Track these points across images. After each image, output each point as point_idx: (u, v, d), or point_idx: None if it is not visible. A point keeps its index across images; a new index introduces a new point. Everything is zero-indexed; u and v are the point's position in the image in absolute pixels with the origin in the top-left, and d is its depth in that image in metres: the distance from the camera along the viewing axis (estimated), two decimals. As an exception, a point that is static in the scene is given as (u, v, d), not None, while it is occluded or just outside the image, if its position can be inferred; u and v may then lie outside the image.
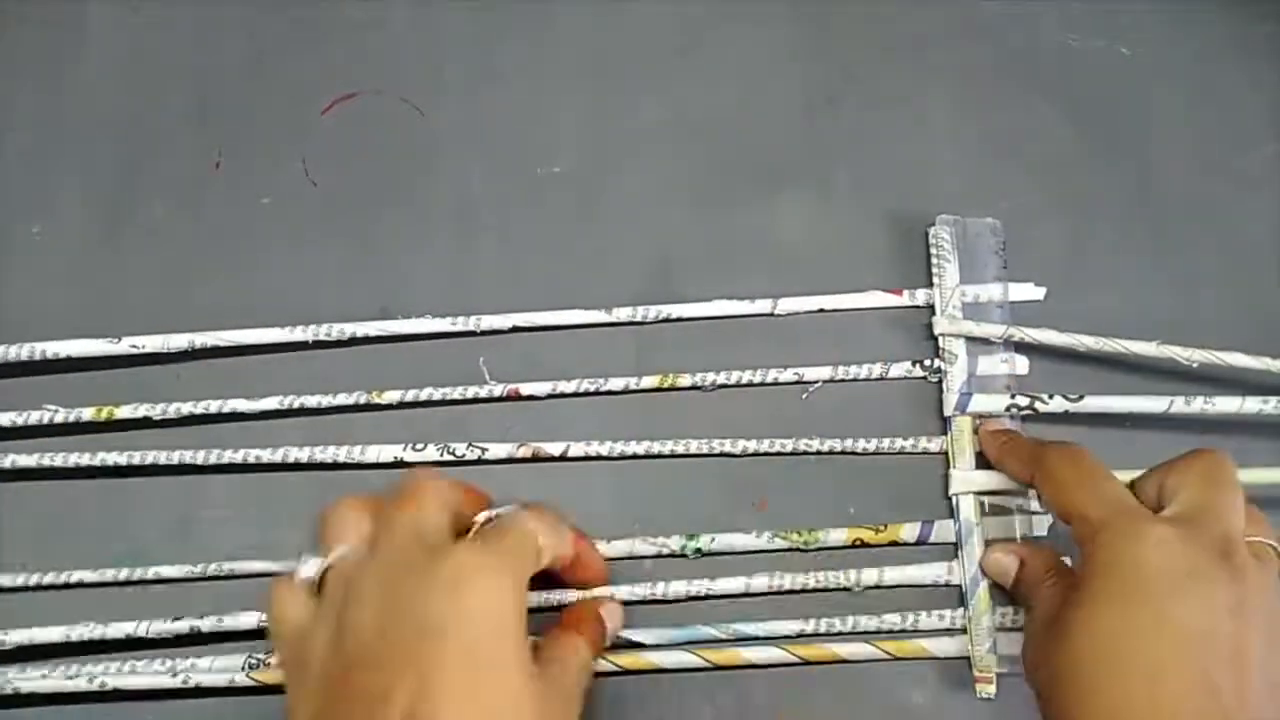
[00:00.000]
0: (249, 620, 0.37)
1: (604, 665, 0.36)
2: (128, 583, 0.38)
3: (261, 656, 0.37)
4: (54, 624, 0.37)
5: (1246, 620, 0.29)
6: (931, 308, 0.41)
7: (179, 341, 0.40)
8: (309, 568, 0.31)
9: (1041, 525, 0.38)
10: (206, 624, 0.37)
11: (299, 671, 0.29)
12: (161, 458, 0.39)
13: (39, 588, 0.38)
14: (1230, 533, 0.31)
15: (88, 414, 0.39)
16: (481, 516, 0.32)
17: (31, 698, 0.37)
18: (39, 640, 0.37)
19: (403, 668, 0.27)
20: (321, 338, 0.40)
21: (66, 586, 0.38)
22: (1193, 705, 0.28)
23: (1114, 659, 0.29)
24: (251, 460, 0.39)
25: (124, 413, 0.39)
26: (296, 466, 0.39)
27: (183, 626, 0.37)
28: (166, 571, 0.38)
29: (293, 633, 0.30)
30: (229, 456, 0.39)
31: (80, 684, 0.36)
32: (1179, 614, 0.29)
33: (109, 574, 0.38)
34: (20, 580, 0.38)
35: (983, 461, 0.39)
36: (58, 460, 0.39)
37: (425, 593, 0.28)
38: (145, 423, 0.40)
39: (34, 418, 0.39)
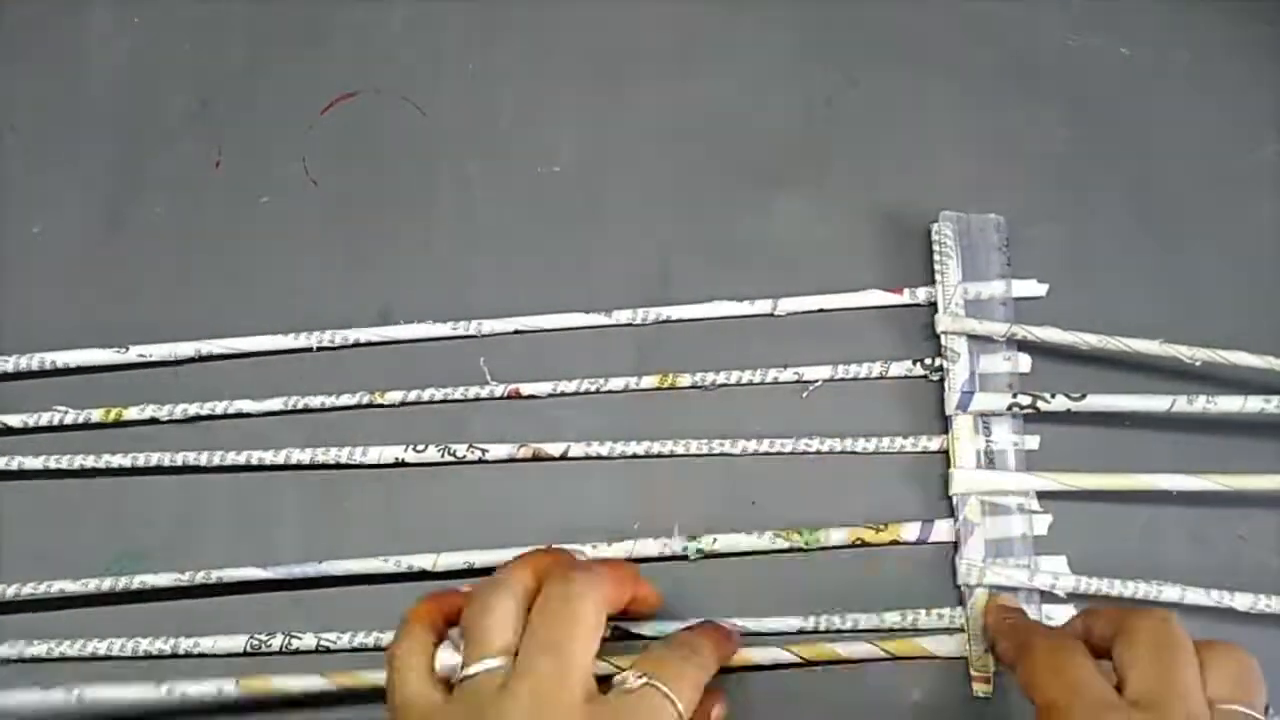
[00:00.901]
0: (235, 643, 0.37)
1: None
2: (112, 595, 0.38)
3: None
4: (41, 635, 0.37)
5: None
6: (933, 306, 0.41)
7: (186, 350, 0.40)
8: (449, 659, 0.30)
9: (1042, 525, 0.38)
10: (187, 644, 0.37)
11: None
12: (165, 459, 0.39)
13: (26, 599, 0.38)
14: (1194, 715, 0.28)
15: (96, 415, 0.40)
16: (624, 679, 0.30)
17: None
18: (27, 655, 0.37)
19: None
20: (325, 344, 0.40)
21: (50, 599, 0.38)
22: None
23: None
24: (254, 461, 0.39)
25: (132, 413, 0.40)
26: (298, 467, 0.39)
27: (165, 647, 0.37)
28: (154, 580, 0.38)
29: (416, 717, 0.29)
30: (231, 457, 0.39)
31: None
32: None
33: (92, 584, 0.38)
34: (7, 592, 0.38)
35: (983, 461, 0.39)
36: (62, 462, 0.39)
37: None
38: (152, 423, 0.40)
39: (44, 419, 0.40)
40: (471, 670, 0.29)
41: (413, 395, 0.40)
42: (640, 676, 0.29)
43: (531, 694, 0.28)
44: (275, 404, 0.40)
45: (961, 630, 0.37)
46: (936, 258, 0.41)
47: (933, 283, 0.41)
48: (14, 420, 0.40)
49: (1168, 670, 0.29)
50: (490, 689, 0.28)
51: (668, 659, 0.31)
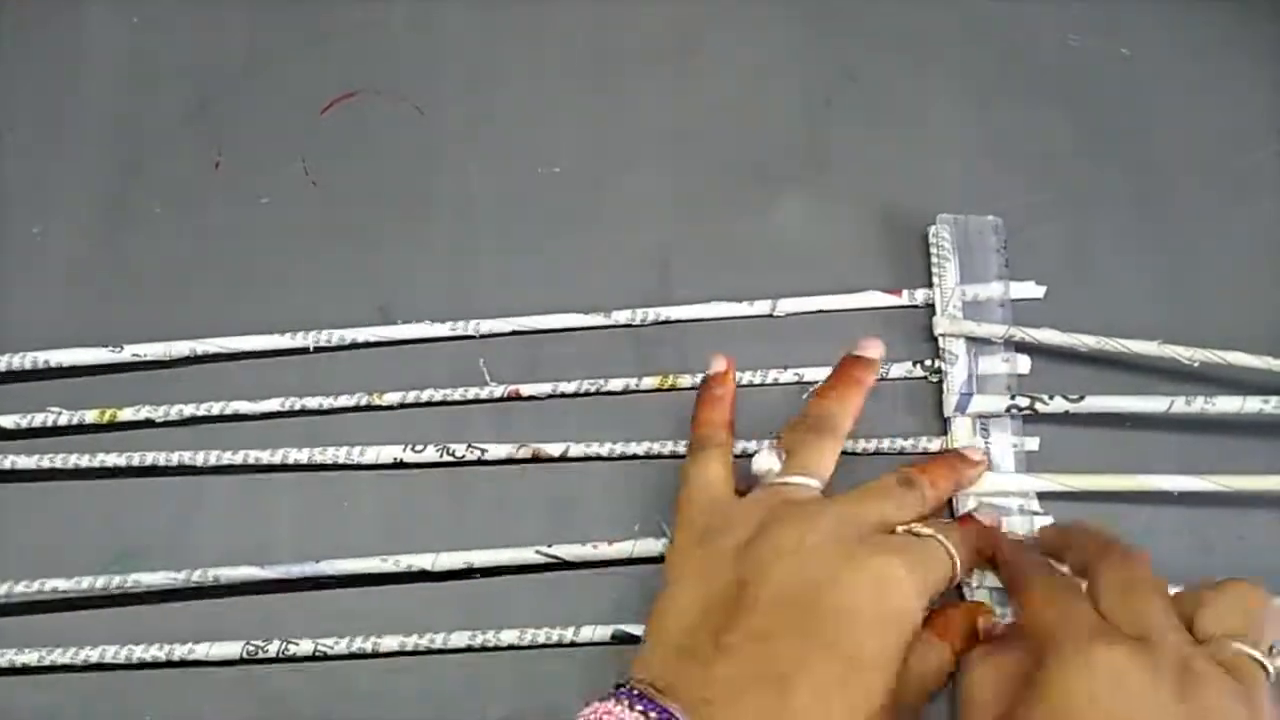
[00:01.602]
0: (231, 650, 0.37)
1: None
2: (107, 596, 0.38)
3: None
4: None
5: None
6: (931, 307, 0.41)
7: (181, 349, 0.40)
8: (767, 460, 0.35)
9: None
10: (182, 650, 0.37)
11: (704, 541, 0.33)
12: (161, 459, 0.39)
13: (19, 601, 0.38)
14: (1193, 659, 0.28)
15: (90, 416, 0.40)
16: (915, 528, 0.33)
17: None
18: (18, 662, 0.37)
19: (803, 628, 0.30)
20: (322, 344, 0.40)
21: (44, 600, 0.38)
22: None
23: None
24: (251, 461, 0.39)
25: (127, 415, 0.40)
26: (297, 467, 0.39)
27: (160, 654, 0.37)
28: (149, 580, 0.38)
29: (717, 503, 0.34)
30: (228, 458, 0.39)
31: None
32: None
33: (85, 582, 0.37)
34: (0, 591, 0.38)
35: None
36: (57, 462, 0.39)
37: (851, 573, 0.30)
38: (148, 424, 0.40)
39: (38, 420, 0.40)
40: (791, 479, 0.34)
41: (411, 396, 0.40)
42: (928, 529, 0.33)
43: (837, 516, 0.32)
44: (272, 405, 0.40)
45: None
46: (934, 260, 0.41)
47: (931, 285, 0.41)
48: (7, 422, 0.40)
49: (1140, 615, 0.30)
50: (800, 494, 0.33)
51: (953, 528, 0.34)
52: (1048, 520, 0.38)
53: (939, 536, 0.33)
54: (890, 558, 0.31)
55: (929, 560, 0.32)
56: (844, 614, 0.30)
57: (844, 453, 0.39)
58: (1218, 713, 0.27)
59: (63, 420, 0.40)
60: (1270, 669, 0.29)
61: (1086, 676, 0.28)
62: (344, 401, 0.40)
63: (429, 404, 0.40)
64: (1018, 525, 0.38)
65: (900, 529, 0.33)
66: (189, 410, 0.39)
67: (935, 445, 0.39)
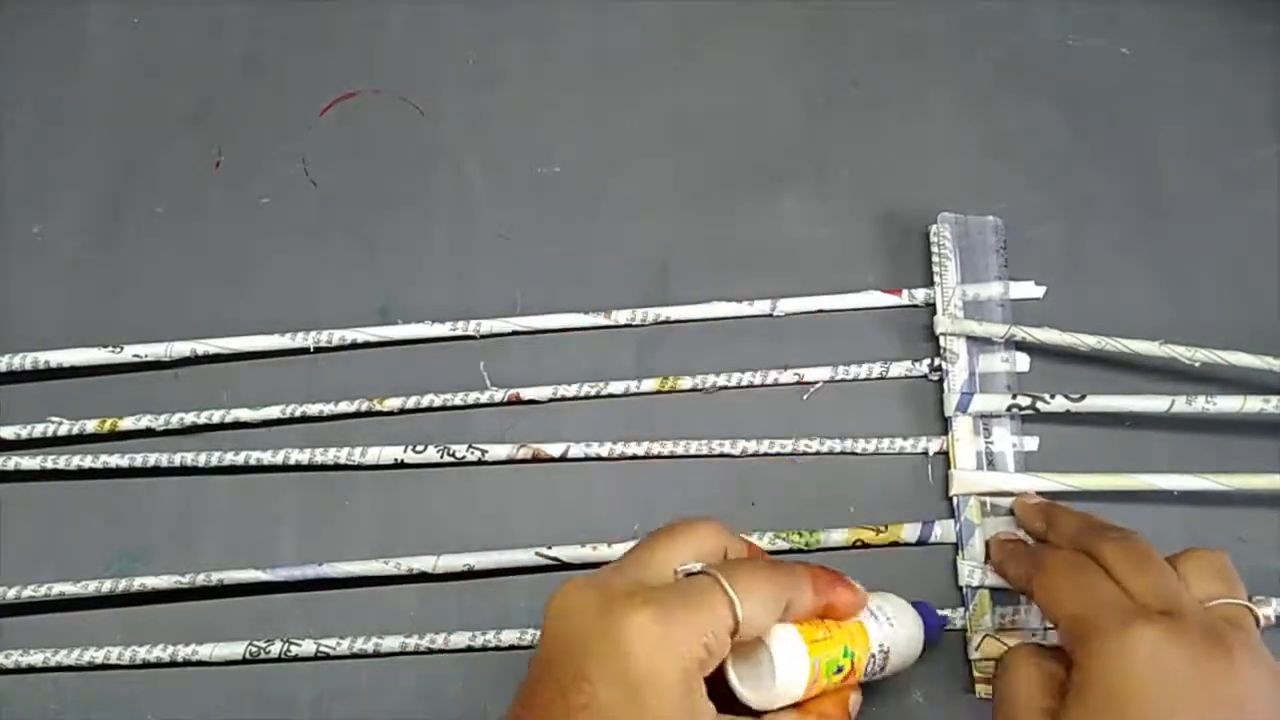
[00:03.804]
0: (234, 650, 0.37)
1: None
2: (112, 597, 0.38)
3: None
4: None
5: (1256, 707, 0.28)
6: (931, 307, 0.41)
7: (181, 349, 0.40)
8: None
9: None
10: (185, 651, 0.37)
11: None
12: (163, 460, 0.39)
13: (24, 602, 0.38)
14: (1214, 622, 0.29)
15: (91, 426, 0.39)
16: (680, 568, 0.30)
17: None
18: (22, 664, 0.37)
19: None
20: (322, 344, 0.40)
21: (48, 601, 0.38)
22: None
23: None
24: (252, 462, 0.39)
25: (127, 424, 0.39)
26: (298, 468, 0.39)
27: (164, 655, 0.37)
28: (154, 582, 0.38)
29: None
30: (229, 459, 0.39)
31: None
32: None
33: (90, 585, 0.38)
34: (8, 594, 0.38)
35: (983, 462, 0.39)
36: (60, 462, 0.39)
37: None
38: (148, 433, 0.40)
39: (38, 430, 0.39)
40: None
41: (411, 401, 0.40)
42: (704, 568, 0.29)
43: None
44: (273, 412, 0.39)
45: (963, 631, 0.37)
46: (935, 260, 0.41)
47: (932, 284, 0.41)
48: (7, 433, 0.39)
49: (1161, 589, 0.30)
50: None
51: (743, 565, 0.30)
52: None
53: (717, 575, 0.29)
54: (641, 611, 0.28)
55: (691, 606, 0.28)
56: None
57: (846, 453, 0.39)
58: (1248, 667, 0.28)
59: (63, 430, 0.39)
60: (1259, 615, 0.31)
61: (1131, 659, 0.28)
62: (344, 408, 0.40)
63: (430, 409, 0.40)
64: (1017, 525, 0.38)
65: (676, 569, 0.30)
66: (190, 418, 0.39)
67: (935, 445, 0.39)
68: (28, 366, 0.40)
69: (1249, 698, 0.28)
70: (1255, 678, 0.28)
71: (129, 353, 0.40)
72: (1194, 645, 0.28)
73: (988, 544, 0.38)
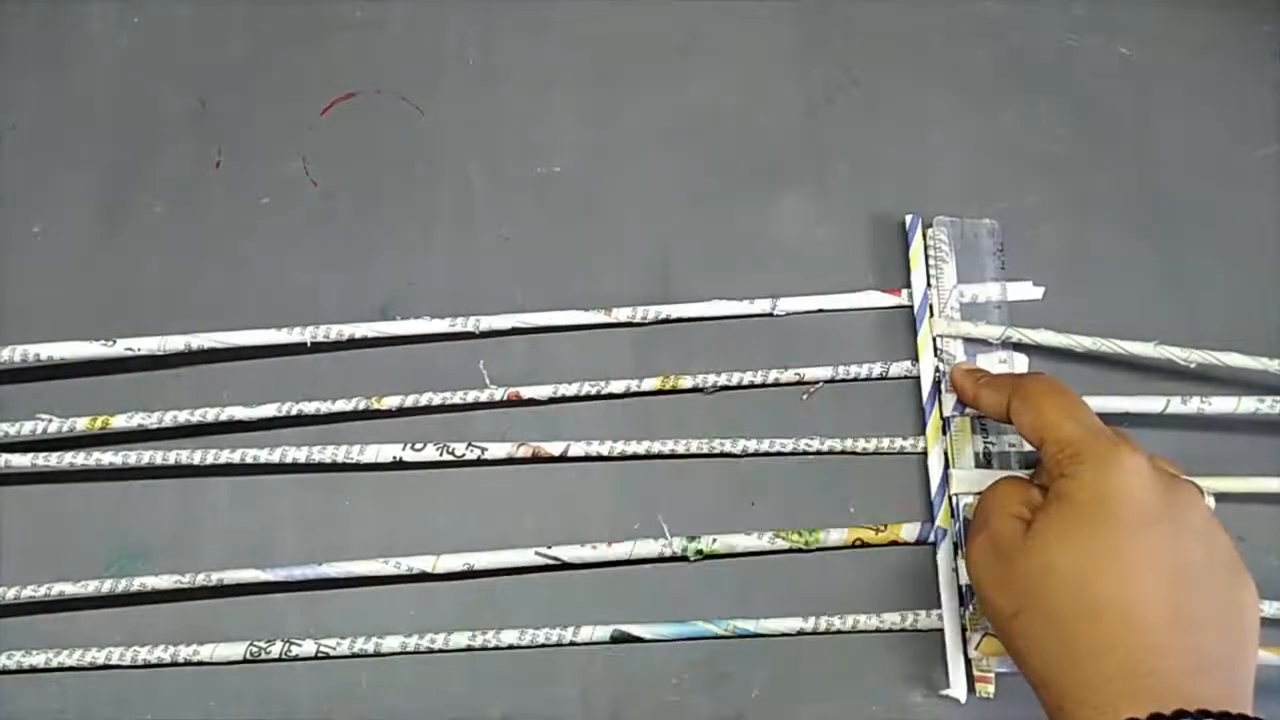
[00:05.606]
0: (235, 651, 0.37)
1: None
2: (112, 597, 0.38)
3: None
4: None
5: (1210, 548, 0.31)
6: (931, 307, 0.41)
7: (175, 344, 0.40)
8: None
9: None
10: (186, 651, 0.37)
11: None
12: (160, 459, 0.39)
13: (24, 603, 0.38)
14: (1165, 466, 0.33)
15: (82, 424, 0.39)
16: None
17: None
18: (25, 664, 0.37)
19: None
20: (320, 339, 0.40)
21: (49, 601, 0.38)
22: (1170, 640, 0.29)
23: (1089, 586, 0.30)
24: (250, 461, 0.39)
25: (119, 422, 0.39)
26: (297, 468, 0.39)
27: (164, 655, 0.37)
28: (154, 583, 0.38)
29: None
30: (227, 457, 0.39)
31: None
32: (1159, 547, 0.30)
33: (90, 585, 0.37)
34: (7, 595, 0.38)
35: (983, 461, 0.39)
36: (53, 461, 0.39)
37: None
38: (141, 431, 0.39)
39: (27, 429, 0.39)
40: None
41: (410, 400, 0.40)
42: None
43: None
44: (269, 411, 0.39)
45: (964, 630, 0.37)
46: (931, 262, 0.41)
47: (927, 285, 0.41)
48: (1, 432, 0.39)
49: (1087, 416, 0.33)
50: None
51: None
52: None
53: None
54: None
55: None
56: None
57: (845, 453, 0.40)
58: (1203, 504, 0.32)
59: (53, 428, 0.39)
60: None
61: (1120, 472, 0.31)
62: (342, 406, 0.40)
63: (428, 409, 0.40)
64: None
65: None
66: (184, 417, 0.39)
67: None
68: (17, 360, 0.39)
69: (1214, 529, 0.31)
70: (1209, 517, 0.31)
71: (121, 346, 0.39)
72: (1167, 477, 0.32)
73: (951, 376, 0.38)
